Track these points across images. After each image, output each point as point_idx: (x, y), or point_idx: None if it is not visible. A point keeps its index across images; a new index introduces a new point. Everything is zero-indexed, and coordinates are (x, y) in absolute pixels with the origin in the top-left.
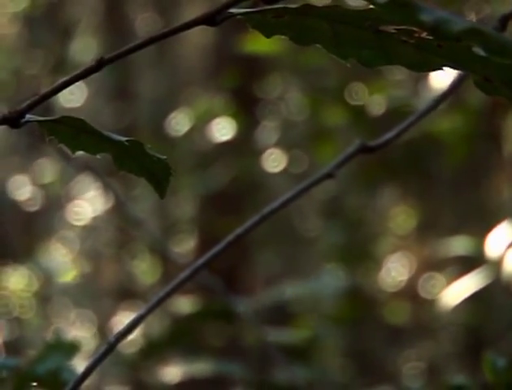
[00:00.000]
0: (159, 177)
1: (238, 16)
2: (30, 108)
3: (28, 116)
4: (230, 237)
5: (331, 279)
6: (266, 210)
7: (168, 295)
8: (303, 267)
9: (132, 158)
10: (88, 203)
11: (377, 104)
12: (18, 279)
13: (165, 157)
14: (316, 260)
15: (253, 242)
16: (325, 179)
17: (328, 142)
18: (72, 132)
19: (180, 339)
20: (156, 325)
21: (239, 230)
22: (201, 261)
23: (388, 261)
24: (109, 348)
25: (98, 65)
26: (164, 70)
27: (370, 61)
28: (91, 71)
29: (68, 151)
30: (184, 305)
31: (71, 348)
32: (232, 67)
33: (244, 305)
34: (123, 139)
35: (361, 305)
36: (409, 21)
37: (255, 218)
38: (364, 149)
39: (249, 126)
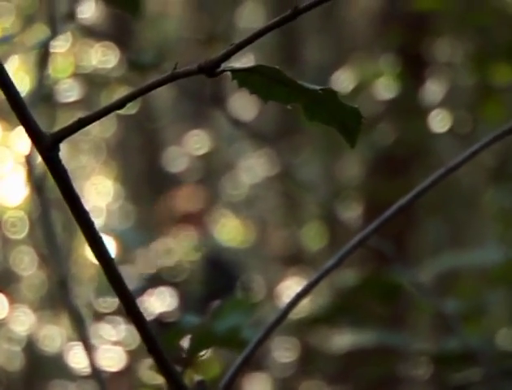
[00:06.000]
0: (350, 126)
1: None
2: (225, 58)
3: (223, 66)
4: (401, 202)
5: (497, 247)
6: (439, 172)
7: (340, 261)
8: (471, 233)
9: (324, 107)
10: (250, 170)
11: None
12: (185, 245)
13: (356, 105)
14: (485, 225)
15: (420, 208)
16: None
17: (496, 102)
18: (265, 82)
19: (346, 310)
20: (323, 295)
21: (410, 194)
22: (371, 226)
23: None
24: (292, 304)
25: (294, 14)
26: (330, 35)
27: None
28: (287, 19)
29: (237, 116)
30: (350, 277)
31: (251, 307)
32: (398, 26)
33: (412, 276)
34: (317, 87)
35: None
36: None
37: (431, 178)
38: None
39: (414, 86)
